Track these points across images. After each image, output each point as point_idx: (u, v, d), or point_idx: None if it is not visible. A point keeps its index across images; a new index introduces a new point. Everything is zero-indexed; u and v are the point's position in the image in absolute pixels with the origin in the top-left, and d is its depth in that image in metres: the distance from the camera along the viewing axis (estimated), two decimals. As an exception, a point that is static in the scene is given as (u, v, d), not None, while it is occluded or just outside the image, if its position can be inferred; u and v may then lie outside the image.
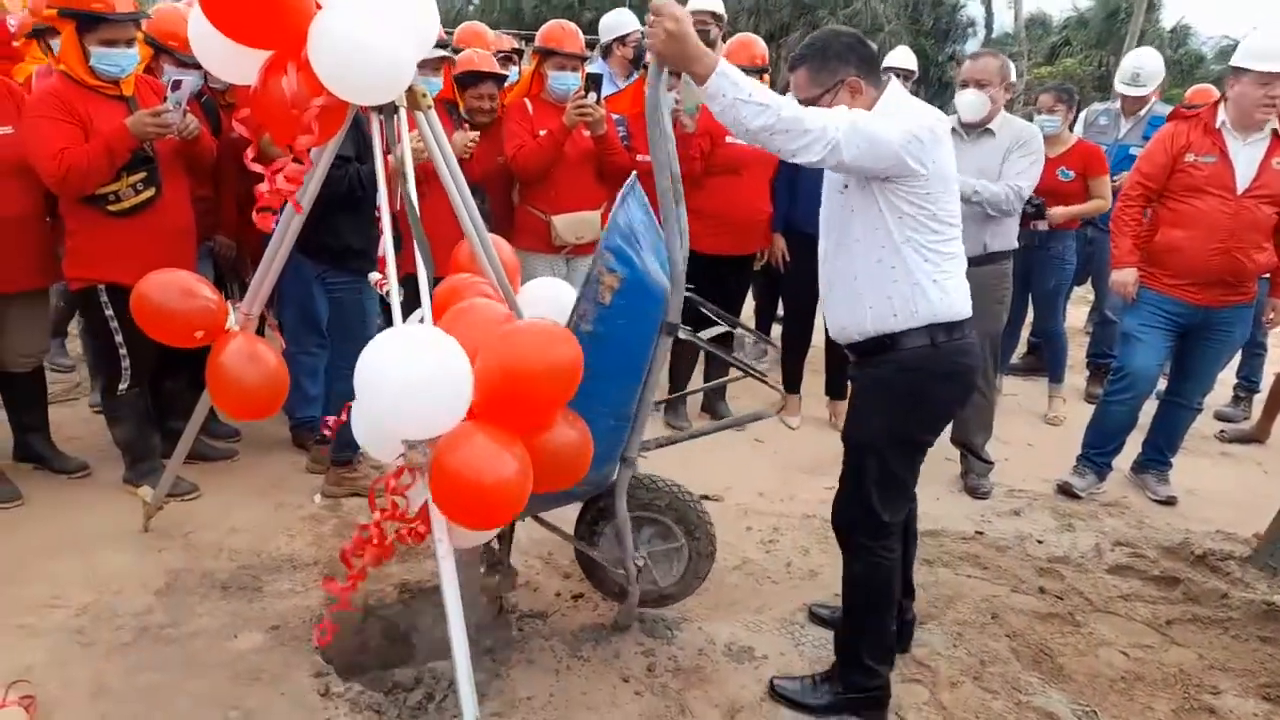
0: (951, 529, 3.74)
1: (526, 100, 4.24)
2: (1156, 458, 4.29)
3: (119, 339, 3.39)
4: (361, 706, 2.46)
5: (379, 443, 2.17)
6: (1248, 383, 5.56)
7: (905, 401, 2.42)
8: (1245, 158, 3.77)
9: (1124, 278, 4.06)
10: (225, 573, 3.08)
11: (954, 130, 3.90)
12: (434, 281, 2.30)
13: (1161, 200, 3.97)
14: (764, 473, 4.24)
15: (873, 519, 2.46)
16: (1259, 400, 5.33)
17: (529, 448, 1.95)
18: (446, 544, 2.06)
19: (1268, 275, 4.06)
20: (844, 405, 4.88)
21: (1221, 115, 3.82)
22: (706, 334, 2.82)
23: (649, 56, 2.38)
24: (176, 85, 3.24)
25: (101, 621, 2.78)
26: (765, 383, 2.82)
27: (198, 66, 3.12)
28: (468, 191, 2.46)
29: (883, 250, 2.35)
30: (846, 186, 2.39)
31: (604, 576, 2.86)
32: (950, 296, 2.38)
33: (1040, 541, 3.72)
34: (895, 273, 2.35)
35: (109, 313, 3.37)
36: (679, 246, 2.39)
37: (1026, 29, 24.76)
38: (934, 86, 26.14)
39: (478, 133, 4.03)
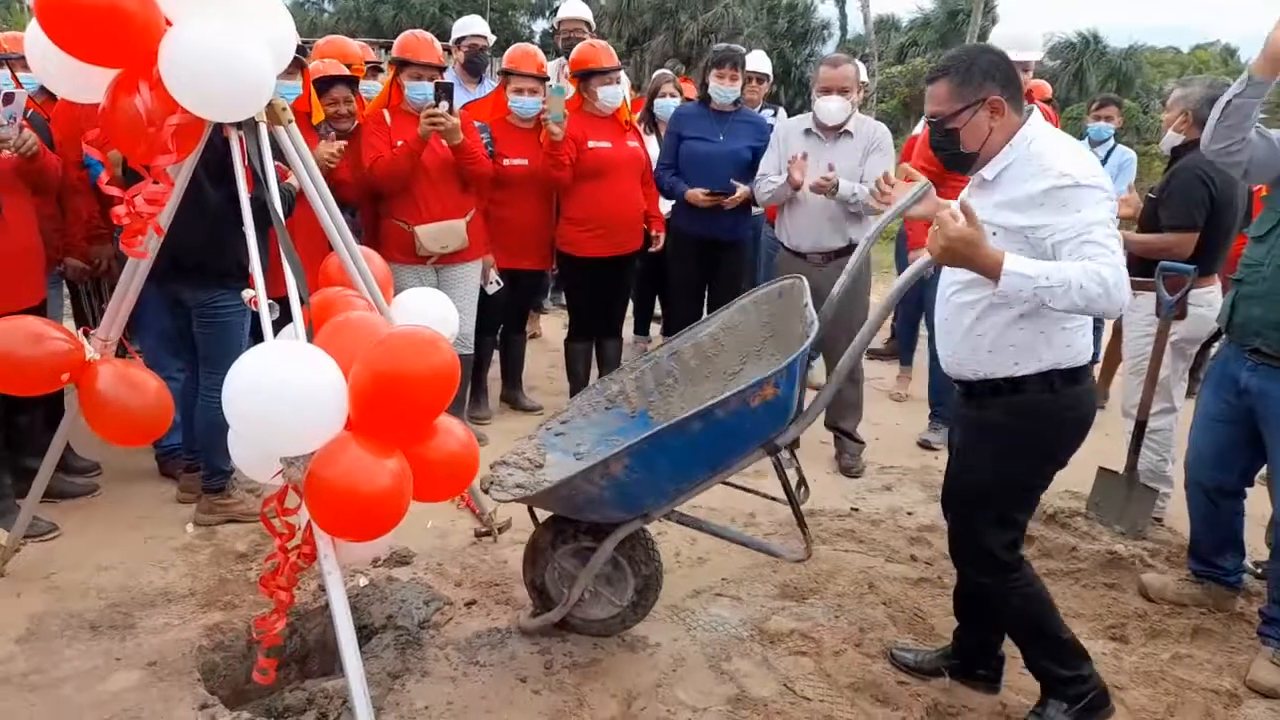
0: (829, 508, 3.93)
1: (385, 111, 4.19)
2: None
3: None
4: (251, 734, 2.40)
5: (255, 463, 2.13)
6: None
7: (1018, 447, 2.33)
8: None
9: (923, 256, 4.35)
10: (94, 612, 2.94)
11: (811, 131, 4.11)
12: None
13: (944, 180, 4.22)
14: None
15: (998, 565, 2.40)
16: (1096, 369, 5.79)
17: (410, 458, 1.96)
18: (332, 559, 2.05)
19: None
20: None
21: None
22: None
23: None
24: (9, 99, 3.07)
25: (-42, 676, 2.61)
26: (802, 525, 2.74)
27: None
28: (334, 205, 2.45)
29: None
30: (994, 234, 2.22)
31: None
32: (1076, 344, 2.29)
33: (910, 513, 3.95)
34: (1023, 320, 2.26)
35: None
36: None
37: (876, 31, 25.92)
38: (794, 87, 27.10)
39: (342, 142, 3.97)
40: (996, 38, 4.15)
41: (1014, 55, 4.04)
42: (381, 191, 4.14)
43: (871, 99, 15.13)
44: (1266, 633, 2.93)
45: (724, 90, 4.51)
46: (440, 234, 4.15)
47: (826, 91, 4.04)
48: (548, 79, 4.53)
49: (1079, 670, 2.48)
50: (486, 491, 2.74)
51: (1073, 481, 4.18)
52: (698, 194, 4.44)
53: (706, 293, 4.86)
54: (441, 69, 4.27)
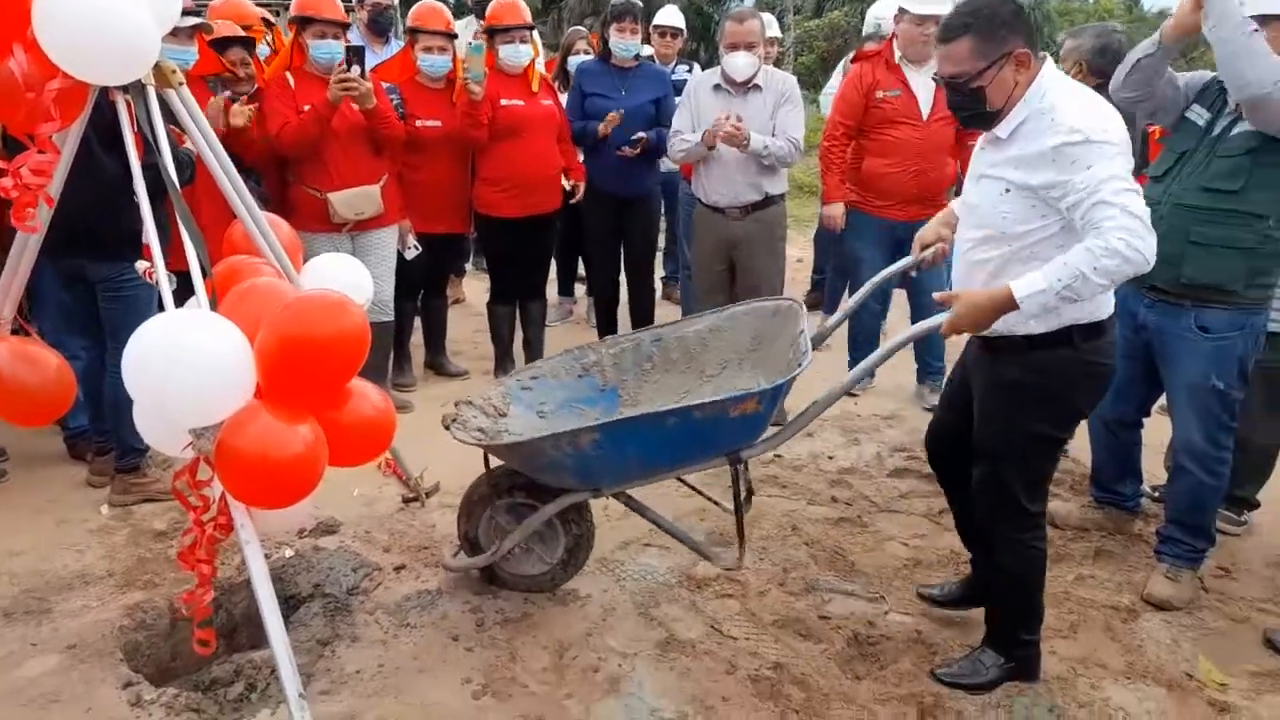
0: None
1: (287, 74, 4.05)
2: (927, 368, 4.77)
3: None
4: (178, 709, 2.38)
5: (164, 436, 2.09)
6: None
7: (1040, 402, 2.33)
8: (924, 87, 4.26)
9: (833, 211, 4.51)
10: (6, 599, 2.86)
11: (720, 87, 4.11)
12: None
13: (863, 134, 4.39)
14: (576, 427, 4.38)
15: (1020, 513, 2.42)
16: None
17: (324, 424, 1.95)
18: (250, 529, 2.03)
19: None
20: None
21: (898, 51, 4.29)
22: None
23: None
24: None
25: None
26: (741, 537, 2.74)
27: None
28: (234, 170, 2.38)
29: (1033, 251, 2.23)
30: (1008, 190, 2.24)
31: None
32: (1095, 299, 2.24)
33: (831, 457, 4.06)
34: None
35: None
36: None
37: (792, -15, 25.85)
38: (712, 42, 26.97)
39: (254, 105, 3.83)
40: None
41: (924, 8, 4.17)
42: (289, 158, 4.03)
43: (788, 53, 15.17)
44: (1162, 550, 3.12)
45: (625, 44, 4.50)
46: (354, 200, 4.07)
47: (734, 47, 4.05)
48: (456, 36, 4.44)
49: (1034, 636, 2.56)
50: (448, 428, 2.73)
51: (984, 419, 4.38)
52: (611, 120, 4.49)
53: (622, 249, 4.89)
54: (346, 26, 4.15)
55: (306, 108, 3.90)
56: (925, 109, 4.26)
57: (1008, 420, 2.38)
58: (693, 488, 3.13)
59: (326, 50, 3.98)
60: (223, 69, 3.88)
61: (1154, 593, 3.03)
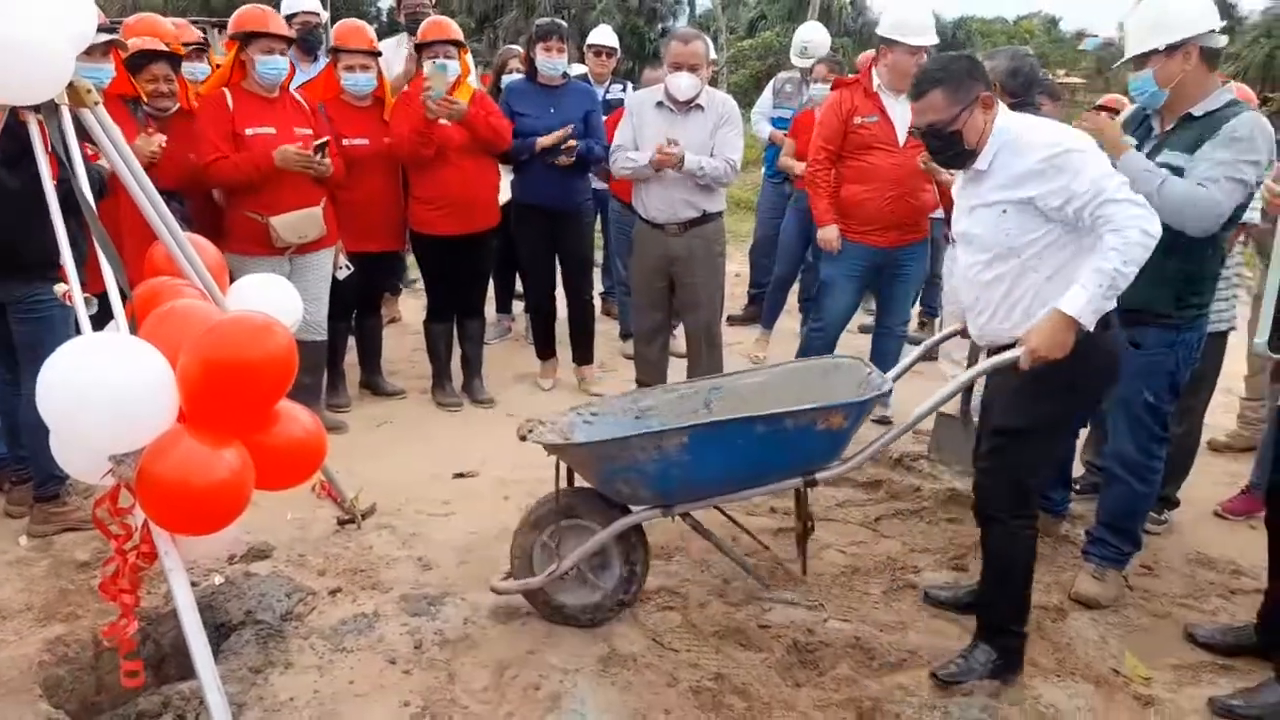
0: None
1: (226, 91, 3.96)
2: None
3: None
4: (103, 745, 2.30)
5: (82, 464, 2.03)
6: (930, 309, 6.38)
7: (1061, 391, 2.49)
8: (901, 114, 4.34)
9: (828, 234, 4.52)
10: (-82, 639, 2.73)
11: (663, 104, 4.14)
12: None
13: (842, 159, 4.46)
14: (517, 445, 4.30)
15: (1019, 495, 2.58)
16: (940, 324, 6.14)
17: (250, 447, 1.91)
18: (175, 556, 1.98)
19: (940, 214, 4.68)
20: (591, 370, 5.10)
21: (876, 79, 4.36)
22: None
23: None
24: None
25: None
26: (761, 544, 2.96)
27: None
28: (153, 189, 2.33)
29: (1040, 257, 2.46)
30: (1005, 210, 2.48)
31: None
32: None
33: (769, 469, 4.10)
34: (1051, 284, 2.45)
35: None
36: None
37: (726, 5, 26.33)
38: (648, 61, 27.25)
39: (163, 136, 3.73)
40: (889, 27, 4.30)
41: (911, 40, 4.26)
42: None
43: (722, 72, 15.40)
44: (1090, 551, 3.22)
45: (552, 63, 4.52)
46: (299, 224, 4.00)
47: (678, 67, 4.07)
48: (379, 54, 4.42)
49: (1021, 628, 2.66)
50: (524, 439, 2.76)
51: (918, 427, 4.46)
52: (545, 141, 4.51)
53: (558, 264, 4.88)
54: (291, 41, 4.09)
55: (249, 132, 3.80)
56: (902, 135, 4.31)
57: (1031, 406, 2.53)
58: (731, 518, 3.24)
59: (273, 67, 3.91)
60: (132, 89, 3.76)
61: (1081, 591, 3.12)
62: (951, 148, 2.53)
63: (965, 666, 2.64)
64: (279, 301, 2.55)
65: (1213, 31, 2.89)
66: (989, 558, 2.69)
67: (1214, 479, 4.11)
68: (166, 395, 1.82)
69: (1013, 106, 3.99)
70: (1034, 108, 4.09)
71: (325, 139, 3.98)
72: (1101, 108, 5.03)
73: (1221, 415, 4.53)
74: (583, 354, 5.11)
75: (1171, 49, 2.85)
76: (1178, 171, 2.86)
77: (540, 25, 4.61)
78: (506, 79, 5.25)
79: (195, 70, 4.44)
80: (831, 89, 4.69)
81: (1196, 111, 2.89)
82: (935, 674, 2.65)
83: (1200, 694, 2.66)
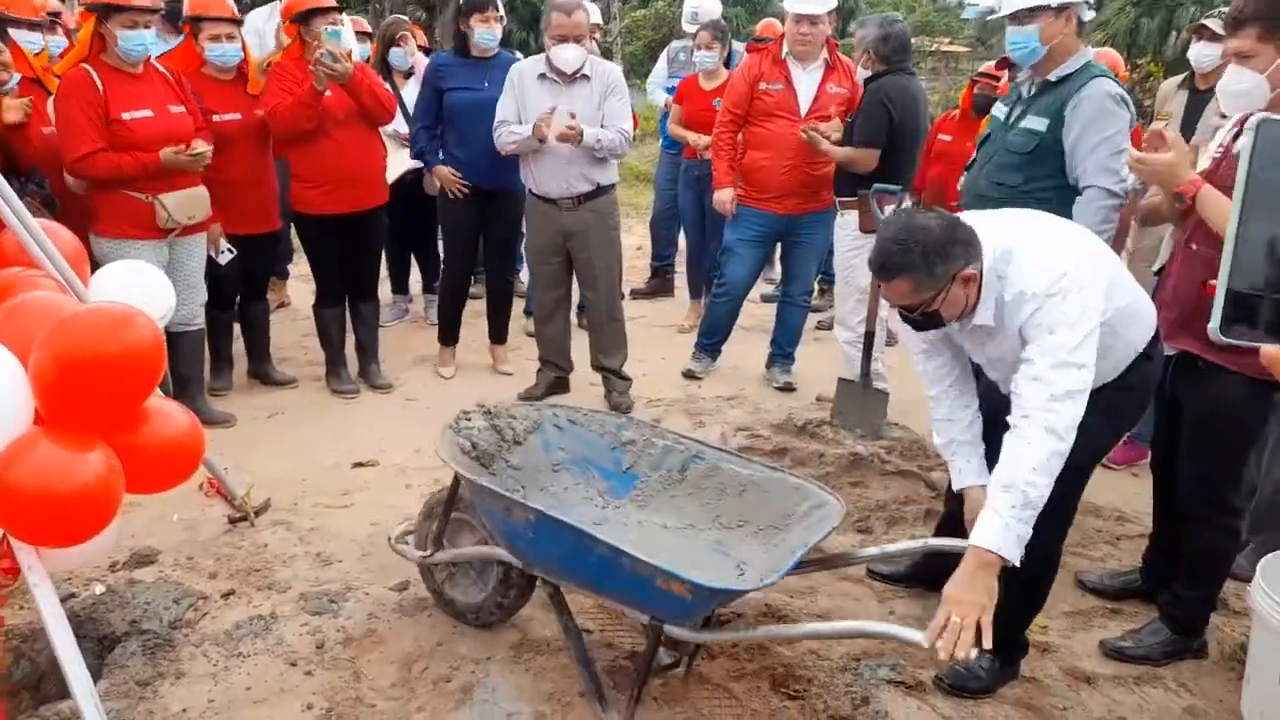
0: (600, 446, 4.00)
1: (89, 69, 3.59)
2: (778, 352, 4.91)
3: None
4: (-27, 777, 2.13)
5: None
6: (829, 276, 6.47)
7: (1100, 419, 2.18)
8: (806, 84, 4.40)
9: (722, 196, 4.58)
10: None
11: (546, 76, 4.04)
12: None
13: (746, 124, 4.47)
14: (418, 430, 4.19)
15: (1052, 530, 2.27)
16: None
17: (118, 449, 1.77)
18: (39, 569, 1.82)
19: None
20: (504, 350, 4.97)
21: (786, 47, 4.39)
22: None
23: None
24: None
25: None
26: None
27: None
28: (-2, 172, 2.13)
29: None
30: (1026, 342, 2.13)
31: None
32: (1135, 336, 2.28)
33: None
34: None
35: None
36: None
37: (619, -26, 26.00)
38: (542, 32, 26.76)
39: (29, 97, 3.44)
40: None
41: (801, 8, 4.25)
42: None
43: (616, 43, 15.26)
44: None
45: (489, 33, 4.34)
46: (188, 203, 3.76)
47: (562, 39, 3.97)
48: (241, 22, 4.18)
49: (1024, 634, 2.55)
50: (445, 429, 2.58)
51: (821, 392, 4.54)
52: (446, 176, 4.41)
53: (480, 239, 4.73)
54: (156, 11, 3.80)
55: (126, 116, 3.55)
56: (804, 105, 4.35)
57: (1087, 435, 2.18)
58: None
59: (139, 41, 3.60)
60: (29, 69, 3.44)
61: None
62: (933, 324, 2.21)
63: (969, 674, 2.52)
64: (146, 290, 2.37)
65: (1087, 4, 3.01)
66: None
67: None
68: (18, 396, 1.66)
69: (886, 72, 4.11)
70: (909, 74, 4.22)
71: (206, 150, 3.73)
72: (983, 74, 5.17)
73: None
74: (499, 333, 4.98)
75: (1061, 8, 2.93)
76: (1039, 136, 2.94)
77: None
78: (395, 52, 5.06)
79: (49, 43, 4.10)
80: (746, 51, 4.71)
81: (1053, 77, 2.98)
82: (936, 677, 2.55)
83: (1092, 638, 2.79)
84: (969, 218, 2.20)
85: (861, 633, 2.20)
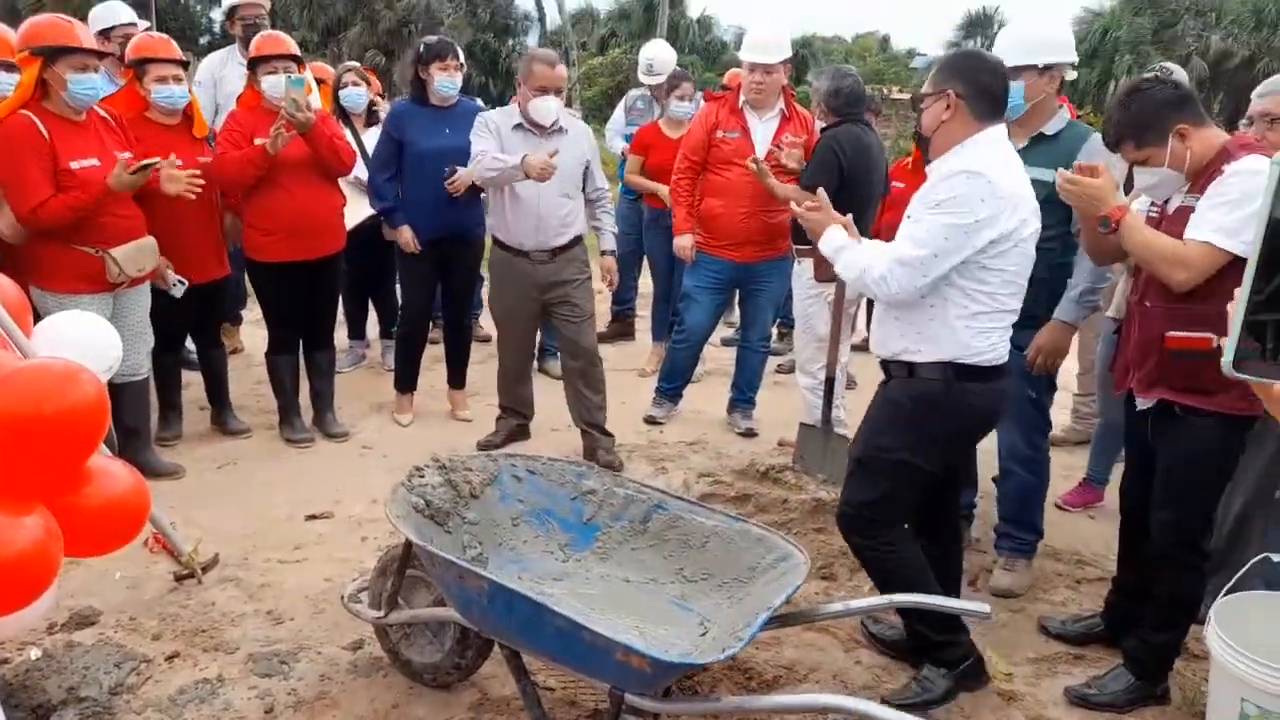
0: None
1: (33, 117, 3.45)
2: (739, 397, 4.91)
3: None
4: None
5: None
6: (788, 320, 6.51)
7: (908, 426, 2.53)
8: (762, 133, 4.46)
9: (682, 243, 4.62)
10: None
11: (523, 127, 4.00)
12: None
13: (704, 172, 4.52)
14: (375, 479, 4.10)
15: (862, 519, 2.61)
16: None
17: (57, 511, 1.68)
18: (-32, 640, 1.72)
19: None
20: (463, 395, 4.90)
21: (743, 97, 4.46)
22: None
23: None
24: None
25: None
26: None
27: None
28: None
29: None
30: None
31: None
32: (978, 342, 2.46)
33: (639, 488, 4.05)
34: (933, 310, 2.46)
35: None
36: None
37: (577, 23, 26.45)
38: (503, 79, 27.04)
39: None
40: (744, 48, 4.48)
41: (759, 59, 4.33)
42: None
43: (575, 89, 15.45)
44: (999, 546, 3.39)
45: (449, 82, 4.33)
46: (137, 255, 3.67)
47: (543, 90, 3.96)
48: (188, 64, 4.14)
49: (949, 636, 2.64)
50: (397, 487, 2.51)
51: (789, 433, 4.52)
52: (408, 240, 4.40)
53: (439, 287, 4.68)
54: (104, 56, 3.73)
55: (77, 164, 3.46)
56: (761, 153, 4.38)
57: (879, 433, 2.61)
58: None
59: (89, 85, 3.50)
60: None
61: (997, 585, 3.28)
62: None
63: (920, 689, 2.62)
64: (93, 342, 2.30)
65: (1071, 65, 3.17)
66: (876, 578, 2.71)
67: (1053, 473, 4.33)
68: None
69: (838, 123, 4.18)
70: (863, 124, 4.29)
71: (155, 160, 3.63)
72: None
73: (1056, 412, 4.79)
74: (458, 379, 4.91)
75: (1047, 68, 3.05)
76: (1048, 186, 2.96)
77: (432, 44, 4.36)
78: (345, 94, 5.06)
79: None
80: (705, 100, 4.79)
81: (1048, 130, 3.10)
82: (885, 700, 2.56)
83: (1057, 685, 2.78)
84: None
85: (828, 707, 2.16)
